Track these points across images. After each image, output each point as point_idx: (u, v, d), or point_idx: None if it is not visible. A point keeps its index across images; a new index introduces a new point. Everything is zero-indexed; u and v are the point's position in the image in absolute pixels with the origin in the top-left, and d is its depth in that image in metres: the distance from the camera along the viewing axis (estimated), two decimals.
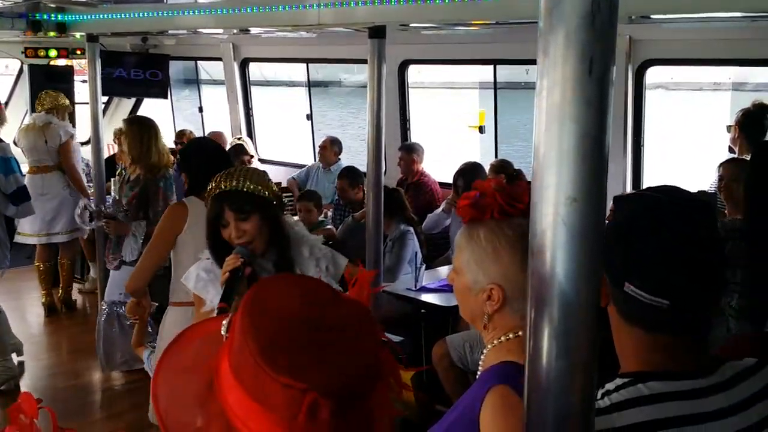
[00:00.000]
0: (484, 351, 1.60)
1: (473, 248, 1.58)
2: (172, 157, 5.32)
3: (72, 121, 6.94)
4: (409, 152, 6.69)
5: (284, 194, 7.59)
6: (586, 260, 0.92)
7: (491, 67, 6.99)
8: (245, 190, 2.49)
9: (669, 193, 1.35)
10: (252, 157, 7.98)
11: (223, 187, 2.51)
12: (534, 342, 0.95)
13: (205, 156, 3.77)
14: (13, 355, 5.48)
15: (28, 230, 6.65)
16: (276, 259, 2.54)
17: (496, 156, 6.84)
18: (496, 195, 1.54)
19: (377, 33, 4.56)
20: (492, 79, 7.05)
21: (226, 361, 1.00)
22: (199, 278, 2.56)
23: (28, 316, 6.89)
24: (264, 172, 2.72)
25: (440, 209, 6.00)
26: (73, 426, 1.28)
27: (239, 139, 8.39)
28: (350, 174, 6.30)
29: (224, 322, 1.04)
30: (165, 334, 3.39)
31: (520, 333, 1.53)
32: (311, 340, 0.98)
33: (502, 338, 1.57)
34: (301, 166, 8.14)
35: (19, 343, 5.61)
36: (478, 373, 1.60)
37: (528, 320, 0.96)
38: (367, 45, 4.67)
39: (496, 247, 1.55)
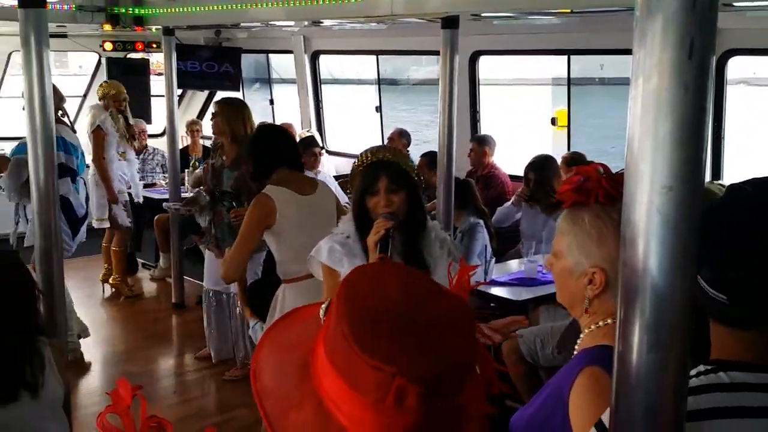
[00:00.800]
0: (581, 336, 1.60)
1: (577, 232, 1.58)
2: None
3: (123, 111, 6.81)
4: (481, 144, 6.62)
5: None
6: (681, 251, 0.89)
7: (565, 63, 6.86)
8: (402, 165, 2.63)
9: (753, 185, 1.32)
10: (322, 149, 8.06)
11: (380, 157, 2.63)
12: (623, 335, 0.93)
13: (275, 142, 3.82)
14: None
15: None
16: (406, 238, 2.61)
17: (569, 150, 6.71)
18: (601, 179, 1.54)
19: (450, 23, 4.54)
20: (565, 75, 6.90)
21: (322, 343, 1.02)
22: (333, 251, 2.65)
23: (99, 302, 7.10)
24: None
25: (510, 202, 5.93)
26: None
27: (308, 131, 8.48)
28: (430, 157, 6.19)
29: (323, 306, 1.06)
30: (281, 310, 3.55)
31: None
32: (405, 329, 0.98)
33: (600, 323, 1.57)
34: None
35: (85, 327, 5.81)
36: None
37: (618, 312, 0.93)
38: (439, 36, 4.66)
39: (602, 231, 1.55)
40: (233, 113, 5.02)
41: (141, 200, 7.28)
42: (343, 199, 7.01)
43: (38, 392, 2.60)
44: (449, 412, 0.97)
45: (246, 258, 3.72)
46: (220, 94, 9.59)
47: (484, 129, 7.32)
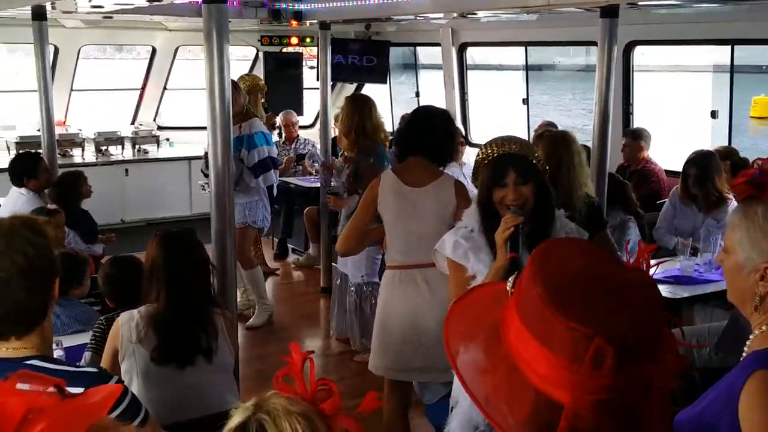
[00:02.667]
0: (750, 336, 1.55)
1: (749, 226, 1.54)
2: (386, 134, 5.40)
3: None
4: (636, 138, 6.38)
5: None
6: None
7: (727, 49, 6.50)
8: (529, 158, 2.58)
9: None
10: (466, 140, 8.08)
11: (507, 149, 2.58)
12: None
13: (415, 130, 3.73)
14: None
15: None
16: (533, 228, 2.58)
17: (729, 144, 6.37)
18: None
19: (609, 12, 4.44)
20: (728, 62, 6.53)
21: (514, 309, 1.05)
22: (458, 246, 2.64)
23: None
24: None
25: (667, 204, 5.68)
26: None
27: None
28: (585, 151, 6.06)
29: (510, 279, 1.10)
30: (380, 293, 3.69)
31: None
32: (599, 292, 1.00)
33: None
34: None
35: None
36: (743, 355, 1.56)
37: None
38: (592, 26, 4.56)
39: None
40: (348, 111, 5.22)
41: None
42: None
43: (212, 358, 2.82)
44: (641, 376, 0.99)
45: (354, 235, 3.71)
46: (367, 86, 9.85)
47: (637, 120, 7.08)
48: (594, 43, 4.67)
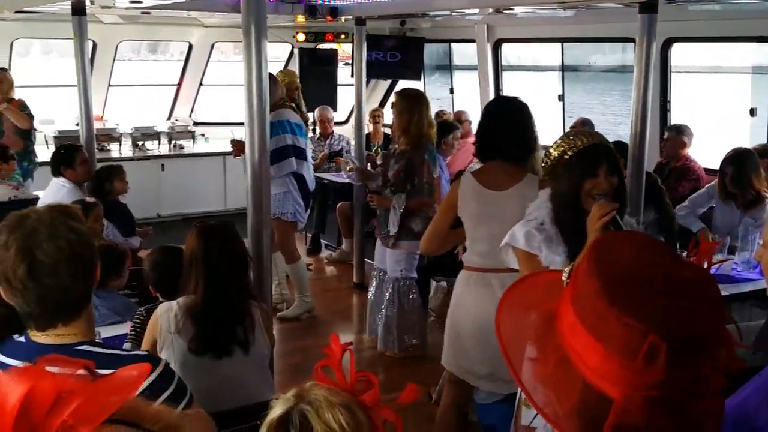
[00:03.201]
0: None
1: None
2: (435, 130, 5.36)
3: (296, 100, 7.04)
4: (679, 133, 6.26)
5: None
6: None
7: (766, 48, 6.37)
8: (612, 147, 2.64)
9: None
10: None
11: (598, 140, 2.63)
12: None
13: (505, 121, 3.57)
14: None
15: None
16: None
17: None
18: None
19: (648, 7, 4.38)
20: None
21: (568, 301, 1.05)
22: (531, 237, 2.67)
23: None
24: None
25: (702, 191, 5.60)
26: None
27: None
28: (620, 148, 5.98)
29: (566, 269, 1.10)
30: (454, 291, 3.69)
31: None
32: (659, 288, 1.00)
33: None
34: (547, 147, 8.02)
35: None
36: None
37: None
38: (630, 22, 4.51)
39: None
40: (403, 107, 5.18)
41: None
42: None
43: (249, 349, 2.85)
44: (696, 375, 0.98)
45: (436, 237, 3.72)
46: (401, 83, 9.84)
47: (674, 119, 6.98)
48: (631, 40, 4.62)
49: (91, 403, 0.62)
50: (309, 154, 6.69)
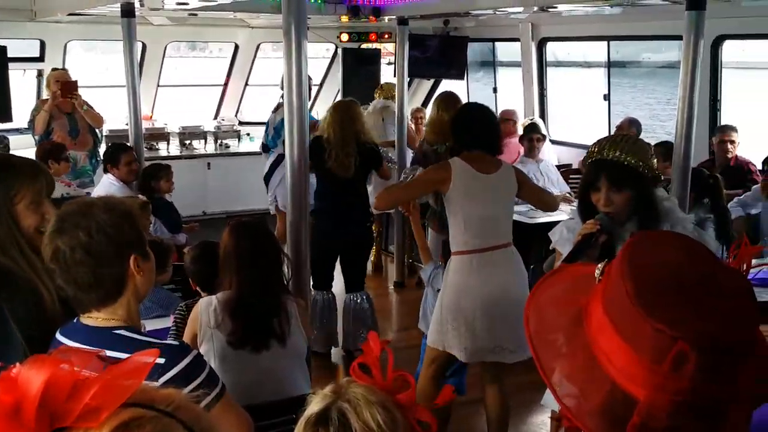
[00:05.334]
0: None
1: None
2: None
3: None
4: (728, 133, 6.15)
5: (572, 176, 7.55)
6: None
7: None
8: (625, 163, 2.53)
9: None
10: (543, 137, 7.95)
11: (605, 154, 2.56)
12: None
13: (471, 120, 3.90)
14: None
15: None
16: (635, 230, 2.54)
17: None
18: None
19: (696, 4, 4.30)
20: None
21: (599, 300, 1.04)
22: (562, 234, 2.77)
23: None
24: (647, 145, 2.73)
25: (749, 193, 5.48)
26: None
27: (531, 119, 8.40)
28: (665, 148, 5.90)
29: (599, 266, 1.09)
30: (449, 279, 3.74)
31: None
32: (692, 294, 0.98)
33: None
34: None
35: None
36: None
37: None
38: (680, 19, 4.42)
39: None
40: (443, 106, 5.35)
41: None
42: (565, 188, 6.91)
43: (285, 342, 2.89)
44: (728, 387, 0.96)
45: (400, 201, 4.00)
46: (445, 82, 9.82)
47: (725, 118, 6.83)
48: (680, 38, 4.53)
49: (109, 387, 0.65)
50: None
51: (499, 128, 4.13)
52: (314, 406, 1.29)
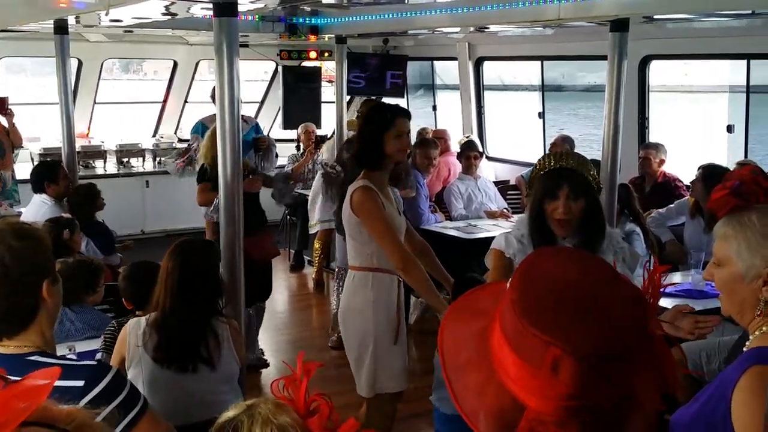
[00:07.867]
0: (749, 340, 1.57)
1: (746, 234, 1.56)
2: None
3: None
4: (648, 150, 6.35)
5: (510, 192, 7.70)
6: None
7: (743, 69, 6.46)
8: (585, 174, 2.59)
9: None
10: (481, 154, 8.09)
11: (564, 164, 2.60)
12: None
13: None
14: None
15: None
16: (577, 243, 2.60)
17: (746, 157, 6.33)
18: (758, 180, 1.52)
19: (619, 26, 4.46)
20: (744, 82, 6.49)
21: (498, 311, 1.08)
22: (510, 242, 2.72)
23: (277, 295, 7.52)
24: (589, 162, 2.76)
25: (671, 207, 5.68)
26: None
27: (468, 137, 8.54)
28: (593, 165, 6.07)
29: (509, 280, 1.13)
30: (349, 293, 3.59)
31: None
32: (574, 303, 1.02)
33: None
34: (529, 165, 8.09)
35: None
36: None
37: None
38: (607, 40, 4.58)
39: None
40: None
41: None
42: (503, 204, 7.04)
43: (215, 367, 2.87)
44: (615, 396, 0.99)
45: (398, 239, 3.50)
46: (384, 100, 9.90)
47: (653, 136, 7.07)
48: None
49: (3, 408, 0.65)
50: None
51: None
52: (225, 414, 1.31)
